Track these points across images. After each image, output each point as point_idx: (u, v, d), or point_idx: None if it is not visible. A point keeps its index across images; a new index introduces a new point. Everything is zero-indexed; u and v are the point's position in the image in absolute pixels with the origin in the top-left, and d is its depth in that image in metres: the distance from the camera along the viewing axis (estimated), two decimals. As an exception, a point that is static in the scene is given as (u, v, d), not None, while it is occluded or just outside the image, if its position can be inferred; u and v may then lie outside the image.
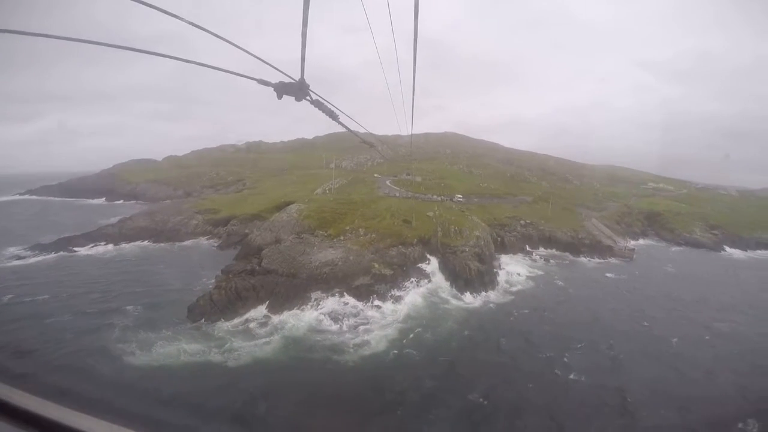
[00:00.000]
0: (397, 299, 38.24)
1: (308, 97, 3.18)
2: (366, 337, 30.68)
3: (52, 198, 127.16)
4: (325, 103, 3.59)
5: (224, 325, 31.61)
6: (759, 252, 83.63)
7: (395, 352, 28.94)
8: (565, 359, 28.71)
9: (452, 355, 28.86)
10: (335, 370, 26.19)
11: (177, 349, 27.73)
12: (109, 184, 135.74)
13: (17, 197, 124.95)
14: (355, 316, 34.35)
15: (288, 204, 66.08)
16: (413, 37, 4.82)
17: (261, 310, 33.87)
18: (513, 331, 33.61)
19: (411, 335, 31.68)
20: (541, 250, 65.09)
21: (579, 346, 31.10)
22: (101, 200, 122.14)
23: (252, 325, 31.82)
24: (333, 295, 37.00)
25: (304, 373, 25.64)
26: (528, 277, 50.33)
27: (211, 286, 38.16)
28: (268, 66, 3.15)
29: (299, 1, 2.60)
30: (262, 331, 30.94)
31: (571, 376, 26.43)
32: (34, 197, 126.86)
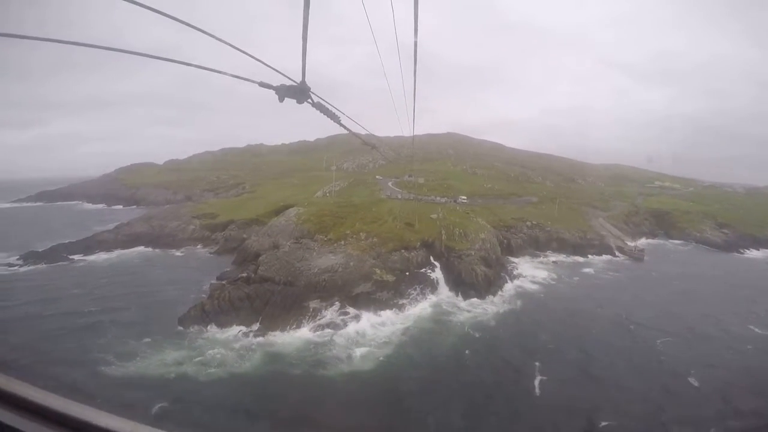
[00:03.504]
0: (400, 308, 36.24)
1: (310, 100, 3.12)
2: (360, 354, 28.62)
3: (50, 204, 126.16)
4: (327, 105, 3.54)
5: (213, 338, 29.95)
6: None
7: (388, 371, 26.74)
8: (566, 381, 26.15)
9: (450, 376, 26.36)
10: (318, 388, 24.39)
11: (156, 361, 26.27)
12: (110, 188, 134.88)
13: (15, 204, 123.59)
14: (353, 328, 32.22)
15: (287, 208, 64.50)
16: (414, 41, 4.98)
17: (254, 322, 32.01)
18: (518, 346, 31.06)
19: (409, 351, 29.47)
20: (549, 252, 63.03)
21: (581, 363, 28.59)
22: (101, 205, 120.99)
23: (242, 337, 30.12)
24: (332, 304, 34.99)
25: (285, 391, 23.96)
26: (536, 282, 48.29)
27: (204, 296, 36.55)
28: (270, 69, 3.14)
29: (299, 7, 2.59)
30: (250, 345, 29.20)
31: (563, 404, 23.80)
32: (31, 204, 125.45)
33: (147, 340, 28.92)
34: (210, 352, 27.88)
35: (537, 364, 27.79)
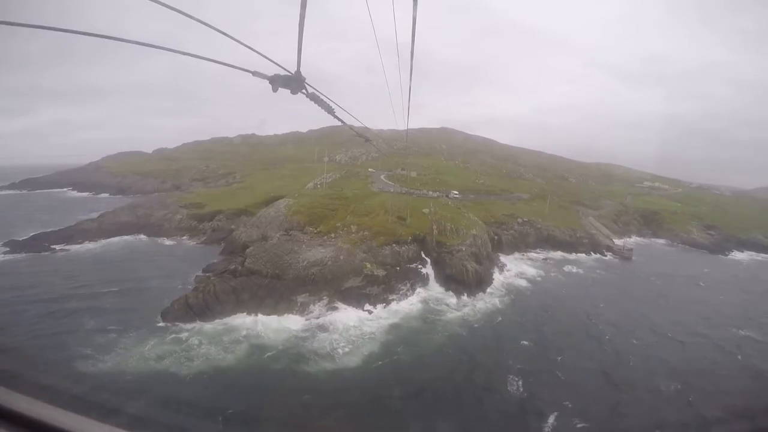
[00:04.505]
0: (389, 303, 35.73)
1: (304, 91, 3.13)
2: (345, 350, 28.01)
3: (34, 191, 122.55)
4: (321, 96, 3.54)
5: (196, 332, 29.11)
6: (762, 255, 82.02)
7: (372, 369, 26.04)
8: (541, 382, 25.64)
9: (431, 375, 25.61)
10: (301, 385, 23.78)
11: (135, 355, 25.49)
12: (96, 176, 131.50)
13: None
14: (340, 323, 31.57)
15: (278, 199, 63.42)
16: (411, 38, 5.23)
17: (239, 316, 31.33)
18: (501, 346, 30.47)
19: (394, 349, 28.77)
20: (539, 250, 63.24)
21: (558, 365, 28.11)
22: (87, 194, 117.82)
23: (226, 332, 29.33)
24: (320, 299, 34.42)
25: (268, 386, 23.46)
26: (525, 279, 48.31)
27: (189, 288, 35.72)
28: (264, 59, 3.15)
29: (293, 2, 2.50)
30: (234, 339, 28.45)
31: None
32: (14, 192, 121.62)
33: (127, 333, 28.04)
34: (193, 346, 27.12)
35: (517, 365, 27.36)
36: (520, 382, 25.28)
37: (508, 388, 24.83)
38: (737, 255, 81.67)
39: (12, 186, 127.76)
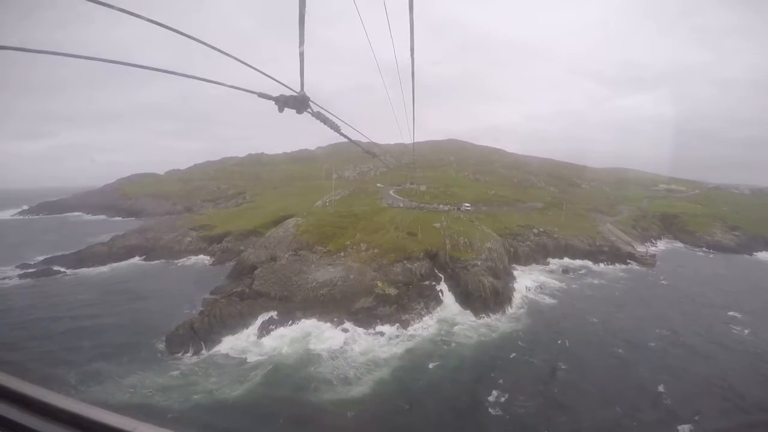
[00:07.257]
0: (402, 324, 33.78)
1: (309, 110, 3.15)
2: (356, 376, 26.18)
3: (50, 215, 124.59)
4: (327, 114, 3.55)
5: (199, 359, 27.88)
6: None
7: (377, 400, 24.01)
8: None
9: (446, 409, 23.38)
10: (307, 415, 22.34)
11: (127, 385, 24.13)
12: (110, 199, 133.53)
13: (17, 216, 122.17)
14: (351, 348, 29.82)
15: (286, 218, 62.62)
16: (410, 56, 5.39)
17: (245, 341, 30.08)
18: (525, 375, 27.62)
19: (405, 377, 26.66)
20: (558, 260, 60.84)
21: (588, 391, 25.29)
22: (101, 216, 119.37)
23: (230, 358, 28.07)
24: (330, 321, 32.91)
25: (272, 417, 22.04)
26: (546, 293, 45.97)
27: (195, 311, 34.63)
28: (269, 80, 3.23)
29: (294, 26, 2.65)
30: (239, 366, 27.07)
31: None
32: (31, 216, 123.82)
33: (124, 360, 26.82)
34: (194, 374, 25.81)
35: (542, 395, 24.91)
36: (549, 416, 22.89)
37: (533, 423, 22.35)
38: (765, 255, 78.04)
39: (30, 210, 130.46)
